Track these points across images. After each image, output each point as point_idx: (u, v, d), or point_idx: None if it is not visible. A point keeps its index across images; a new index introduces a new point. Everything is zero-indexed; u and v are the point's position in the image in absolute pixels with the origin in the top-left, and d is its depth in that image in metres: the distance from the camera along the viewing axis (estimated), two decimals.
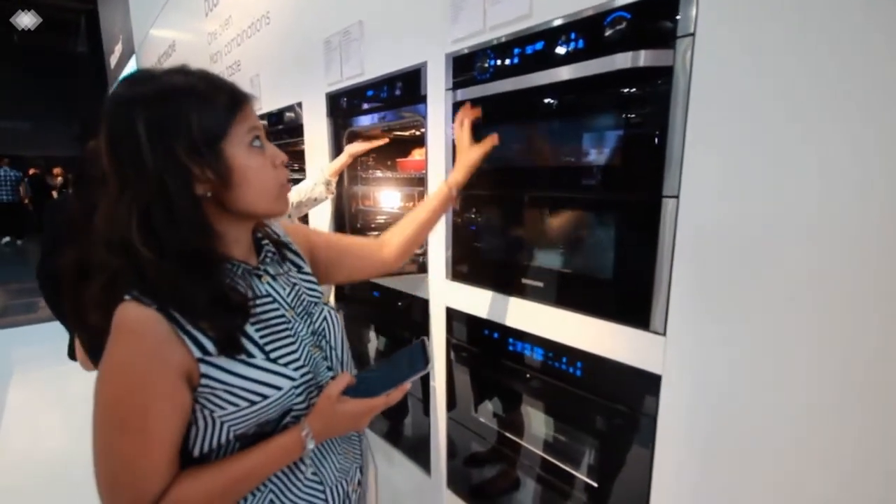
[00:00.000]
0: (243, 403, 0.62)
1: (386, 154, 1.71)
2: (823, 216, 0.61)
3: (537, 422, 1.09)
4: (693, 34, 0.70)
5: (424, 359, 0.69)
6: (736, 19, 0.66)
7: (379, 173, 1.72)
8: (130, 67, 5.08)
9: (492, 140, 0.99)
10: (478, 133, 1.04)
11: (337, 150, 1.67)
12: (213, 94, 0.61)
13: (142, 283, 0.58)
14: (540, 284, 1.00)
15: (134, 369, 0.56)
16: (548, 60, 0.90)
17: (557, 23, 0.88)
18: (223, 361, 0.61)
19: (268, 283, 0.71)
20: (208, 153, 0.59)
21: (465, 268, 1.19)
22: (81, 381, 1.54)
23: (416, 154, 1.60)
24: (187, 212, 0.58)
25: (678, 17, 0.71)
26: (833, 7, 0.58)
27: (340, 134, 1.65)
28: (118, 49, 5.64)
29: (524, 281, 1.04)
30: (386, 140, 1.59)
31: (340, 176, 1.67)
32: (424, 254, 1.33)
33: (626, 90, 0.80)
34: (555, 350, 0.99)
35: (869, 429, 0.60)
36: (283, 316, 0.69)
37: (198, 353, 0.59)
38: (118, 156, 0.58)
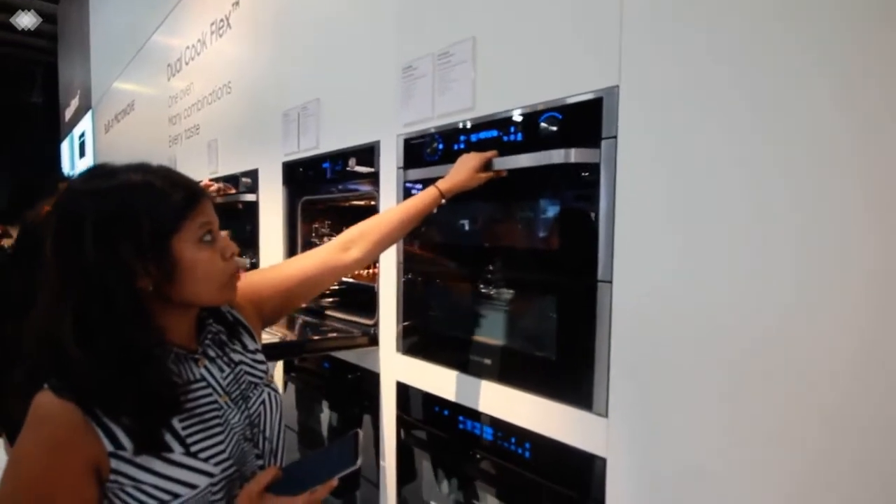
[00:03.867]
0: (152, 502, 0.59)
1: (341, 220, 1.72)
2: (743, 298, 0.65)
3: None
4: (615, 136, 0.77)
5: (353, 455, 0.65)
6: (655, 125, 0.73)
7: None
8: (86, 121, 5.00)
9: (497, 173, 0.94)
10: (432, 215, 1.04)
11: (291, 216, 1.67)
12: (169, 190, 0.61)
13: (64, 377, 0.57)
14: (488, 361, 1.00)
15: (39, 461, 0.55)
16: (491, 149, 0.96)
17: (498, 117, 0.95)
18: (137, 456, 0.58)
19: (204, 366, 0.68)
20: (154, 250, 0.59)
21: (415, 342, 1.18)
22: None
23: None
24: (126, 309, 0.58)
25: (602, 121, 0.78)
26: (724, 108, 0.66)
27: (295, 201, 1.66)
28: (74, 103, 5.55)
29: (473, 357, 1.03)
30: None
31: (294, 241, 1.66)
32: (376, 325, 1.31)
33: (560, 180, 0.85)
34: (504, 430, 0.97)
35: None
36: (214, 402, 0.67)
37: (110, 447, 0.57)
38: (61, 249, 0.58)
